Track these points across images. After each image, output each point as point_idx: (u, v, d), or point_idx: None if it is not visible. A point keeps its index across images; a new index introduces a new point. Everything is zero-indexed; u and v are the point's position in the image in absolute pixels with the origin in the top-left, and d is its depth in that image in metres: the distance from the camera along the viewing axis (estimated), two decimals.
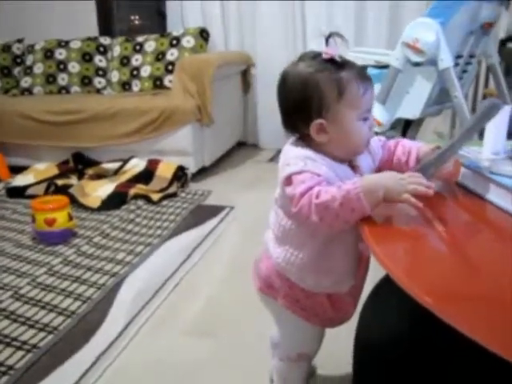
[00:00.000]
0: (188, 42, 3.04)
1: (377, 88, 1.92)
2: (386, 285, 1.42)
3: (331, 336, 0.98)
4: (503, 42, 2.38)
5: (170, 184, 2.55)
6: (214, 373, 1.22)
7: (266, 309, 0.98)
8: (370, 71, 1.94)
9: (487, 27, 1.72)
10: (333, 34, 0.79)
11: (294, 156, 0.78)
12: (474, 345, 0.50)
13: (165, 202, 2.42)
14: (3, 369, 1.22)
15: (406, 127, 2.18)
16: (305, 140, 0.82)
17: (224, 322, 1.43)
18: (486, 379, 0.99)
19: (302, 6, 3.11)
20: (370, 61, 2.07)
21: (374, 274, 0.95)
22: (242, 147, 3.52)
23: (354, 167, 0.84)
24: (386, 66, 1.91)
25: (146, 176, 2.58)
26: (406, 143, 0.92)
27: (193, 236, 2.01)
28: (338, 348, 1.11)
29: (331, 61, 0.78)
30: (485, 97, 2.74)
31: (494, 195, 0.79)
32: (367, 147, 0.85)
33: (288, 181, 0.76)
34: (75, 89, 3.33)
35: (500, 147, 0.91)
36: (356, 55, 2.11)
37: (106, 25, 3.77)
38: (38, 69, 3.35)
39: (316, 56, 0.80)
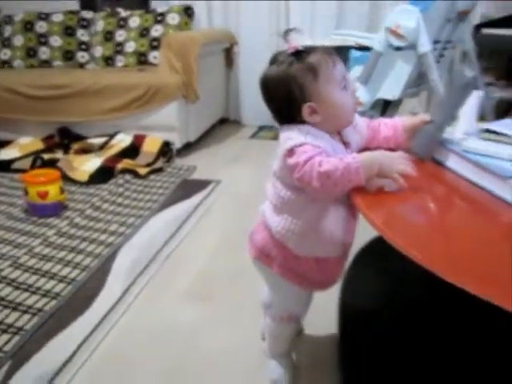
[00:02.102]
0: (173, 18, 3.06)
1: (359, 70, 2.02)
2: (366, 252, 1.56)
3: (318, 298, 1.09)
4: (478, 28, 2.49)
5: (156, 159, 2.61)
6: (212, 333, 1.33)
7: (259, 275, 1.08)
8: (353, 54, 2.04)
9: (463, 15, 1.83)
10: (287, 30, 0.90)
11: (296, 131, 0.88)
12: (449, 300, 0.61)
13: (152, 177, 2.49)
14: (13, 330, 1.30)
15: (385, 107, 2.29)
16: (300, 124, 0.91)
17: (217, 287, 1.54)
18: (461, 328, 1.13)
19: None
20: (352, 42, 2.16)
21: (356, 243, 1.06)
22: (225, 124, 3.59)
23: (345, 144, 0.94)
24: (367, 49, 2.01)
25: (133, 151, 2.64)
26: (387, 121, 1.04)
27: (182, 209, 2.10)
28: (323, 309, 1.24)
29: (297, 52, 0.88)
30: None
31: (466, 169, 0.91)
32: (354, 117, 0.95)
33: (290, 152, 0.85)
34: (57, 63, 3.32)
35: (471, 128, 1.02)
36: (338, 37, 2.21)
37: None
38: (18, 41, 3.33)
39: (282, 54, 0.90)
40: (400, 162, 0.83)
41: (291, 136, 0.87)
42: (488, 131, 0.93)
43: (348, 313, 1.31)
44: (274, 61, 0.91)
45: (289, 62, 0.88)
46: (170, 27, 3.06)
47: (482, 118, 2.04)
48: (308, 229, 0.92)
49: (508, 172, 0.80)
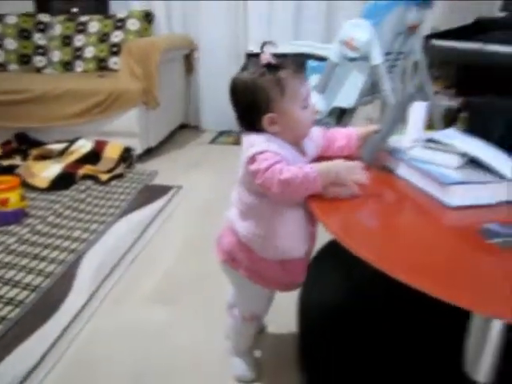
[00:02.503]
0: (133, 24, 3.08)
1: (316, 78, 2.11)
2: (325, 252, 1.63)
3: (280, 297, 1.15)
4: (428, 39, 2.63)
5: (117, 165, 2.62)
6: (177, 334, 1.37)
7: (222, 278, 1.14)
8: (310, 63, 2.13)
9: (413, 29, 1.95)
10: (265, 42, 0.97)
11: (258, 139, 0.94)
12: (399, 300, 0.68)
13: (113, 183, 2.49)
14: None
15: (341, 114, 2.39)
16: (259, 131, 0.97)
17: (182, 290, 1.58)
18: (412, 327, 1.22)
19: None
20: (316, 51, 2.26)
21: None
22: (184, 129, 3.62)
23: (302, 152, 1.01)
24: (324, 59, 2.10)
25: (93, 157, 2.63)
26: (342, 131, 1.13)
27: (144, 214, 2.12)
28: (285, 307, 1.31)
29: (269, 65, 0.94)
30: None
31: (413, 176, 0.99)
32: (310, 130, 1.02)
33: (252, 159, 0.91)
34: (13, 67, 3.26)
35: (418, 137, 1.10)
36: (295, 48, 2.29)
37: (43, 1, 3.66)
38: None
39: (256, 63, 0.96)
40: (355, 172, 0.91)
41: (253, 143, 0.93)
42: (431, 140, 1.02)
43: (306, 311, 1.38)
44: (246, 67, 0.97)
45: (260, 73, 0.93)
46: (130, 33, 3.07)
47: (431, 126, 2.16)
48: (272, 232, 0.98)
49: (448, 179, 0.89)
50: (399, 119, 1.03)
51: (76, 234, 1.91)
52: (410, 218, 0.90)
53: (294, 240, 1.00)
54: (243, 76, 0.96)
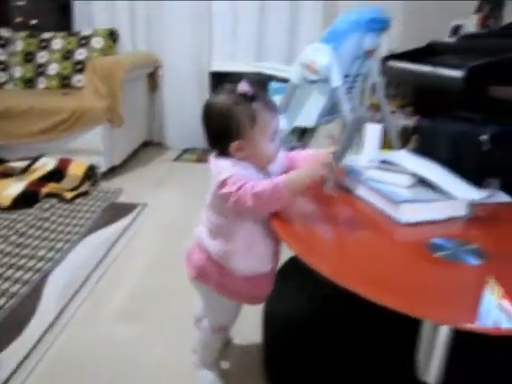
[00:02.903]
0: (97, 42, 3.09)
1: (278, 99, 2.19)
2: (287, 269, 1.69)
3: (246, 310, 1.20)
4: (386, 60, 2.76)
5: (82, 182, 2.62)
6: (146, 349, 1.39)
7: (190, 294, 1.19)
8: (273, 85, 2.21)
9: (370, 53, 2.06)
10: (244, 78, 1.03)
11: (225, 165, 0.99)
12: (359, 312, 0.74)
13: (78, 201, 2.48)
14: None
15: (302, 133, 2.48)
16: (227, 155, 1.03)
17: (149, 307, 1.60)
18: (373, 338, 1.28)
19: (209, 6, 3.29)
20: (280, 73, 2.35)
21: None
22: (148, 146, 3.62)
23: (267, 174, 1.07)
24: (286, 80, 2.19)
25: (57, 174, 2.62)
26: (303, 153, 1.19)
27: (110, 232, 2.13)
28: (249, 321, 1.36)
29: (244, 94, 1.00)
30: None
31: (369, 195, 1.07)
32: (275, 160, 1.08)
33: (223, 184, 0.96)
34: None
35: (373, 157, 1.19)
36: (259, 70, 2.38)
37: (2, 16, 3.61)
38: None
39: (232, 90, 1.01)
40: (323, 159, 0.97)
41: (221, 170, 0.98)
42: (385, 162, 1.10)
43: (271, 323, 1.43)
44: (222, 91, 1.02)
45: (235, 101, 0.98)
46: (94, 51, 3.09)
47: (388, 145, 2.26)
48: (241, 249, 1.04)
49: (399, 197, 0.97)
50: (352, 140, 1.11)
51: (41, 253, 1.90)
52: (367, 235, 0.97)
53: (261, 258, 1.07)
54: (218, 100, 1.00)
